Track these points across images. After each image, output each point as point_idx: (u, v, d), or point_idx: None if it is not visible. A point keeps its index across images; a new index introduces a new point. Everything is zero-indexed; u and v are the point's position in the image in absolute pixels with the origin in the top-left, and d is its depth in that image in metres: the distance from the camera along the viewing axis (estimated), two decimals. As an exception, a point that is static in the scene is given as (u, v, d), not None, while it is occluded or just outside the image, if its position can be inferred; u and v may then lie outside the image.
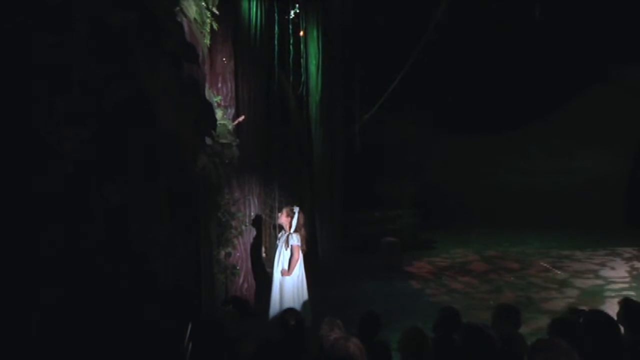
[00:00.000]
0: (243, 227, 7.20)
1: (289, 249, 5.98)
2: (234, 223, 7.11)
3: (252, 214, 7.43)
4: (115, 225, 5.97)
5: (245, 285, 7.22)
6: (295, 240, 5.98)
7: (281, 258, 6.01)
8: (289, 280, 5.96)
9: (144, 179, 6.28)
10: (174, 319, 5.10)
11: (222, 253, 7.00)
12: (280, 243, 6.08)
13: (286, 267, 5.98)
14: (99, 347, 5.12)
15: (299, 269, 6.04)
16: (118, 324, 5.44)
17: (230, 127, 7.12)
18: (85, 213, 5.68)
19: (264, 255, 7.23)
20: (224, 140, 6.97)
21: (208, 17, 5.51)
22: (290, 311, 4.07)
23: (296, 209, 6.17)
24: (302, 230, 6.15)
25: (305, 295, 6.05)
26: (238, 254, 7.17)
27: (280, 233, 6.25)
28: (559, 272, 9.08)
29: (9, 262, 5.04)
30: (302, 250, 6.03)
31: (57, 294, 5.27)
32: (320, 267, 8.89)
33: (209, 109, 6.99)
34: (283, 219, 6.11)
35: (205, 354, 3.53)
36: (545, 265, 9.64)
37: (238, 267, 7.14)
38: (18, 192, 5.25)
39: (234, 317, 6.59)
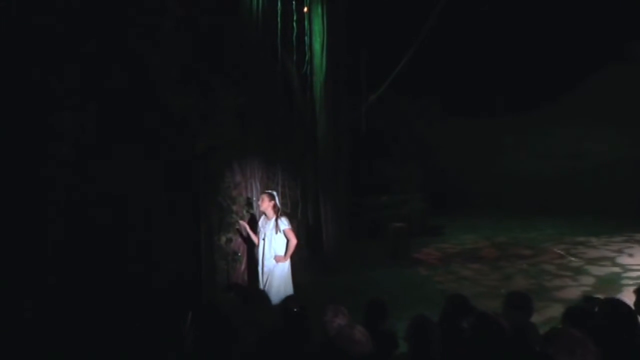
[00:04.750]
0: (244, 211, 7.19)
1: (280, 234, 5.96)
2: (235, 208, 7.10)
3: (254, 198, 7.42)
4: (116, 211, 5.99)
5: (247, 272, 7.24)
6: (286, 223, 5.98)
7: (273, 245, 5.98)
8: (279, 269, 5.95)
9: (145, 163, 6.29)
10: (174, 306, 5.13)
11: (223, 239, 7.01)
12: (268, 229, 6.01)
13: (280, 253, 5.96)
14: (100, 334, 5.17)
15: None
16: (119, 311, 5.48)
17: (231, 108, 7.09)
18: (85, 199, 5.70)
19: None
20: (225, 123, 6.95)
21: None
22: (292, 298, 4.07)
23: (273, 192, 6.24)
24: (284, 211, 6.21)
25: (290, 288, 5.98)
26: (239, 240, 7.17)
27: (262, 221, 6.21)
28: (573, 259, 9.05)
29: (10, 249, 5.07)
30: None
31: (56, 281, 5.31)
32: (324, 253, 8.91)
33: (210, 90, 6.96)
34: (266, 204, 6.05)
35: (206, 342, 3.54)
36: (558, 251, 9.62)
37: (240, 253, 7.14)
38: (19, 180, 5.25)
39: (235, 304, 6.63)
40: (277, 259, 5.93)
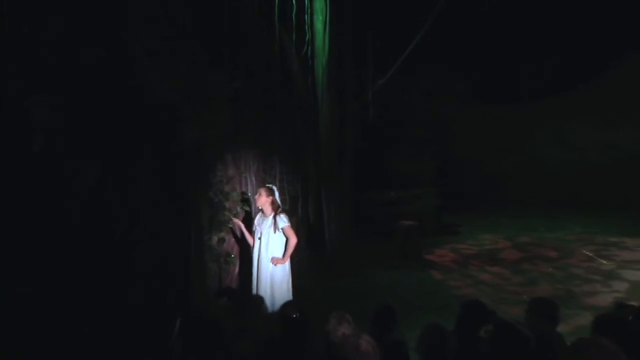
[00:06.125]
0: (239, 208, 7.19)
1: (278, 232, 5.98)
2: (228, 204, 7.10)
3: (250, 193, 7.43)
4: (95, 208, 5.99)
5: (242, 275, 7.25)
6: (286, 220, 6.01)
7: (270, 245, 5.99)
8: (280, 270, 5.97)
9: (126, 153, 6.28)
10: (161, 313, 5.14)
11: (215, 238, 7.01)
12: (265, 228, 6.05)
13: (278, 254, 5.98)
14: (78, 344, 5.19)
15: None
16: (99, 319, 5.50)
17: (224, 94, 7.07)
18: (58, 192, 5.70)
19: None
20: (217, 111, 6.94)
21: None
22: (290, 304, 4.08)
23: (273, 186, 6.28)
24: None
25: (291, 293, 6.02)
26: (233, 240, 7.18)
27: (258, 218, 6.25)
28: (604, 262, 9.05)
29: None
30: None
31: (31, 285, 5.33)
32: (327, 254, 8.91)
33: (200, 73, 6.95)
34: (263, 200, 6.09)
35: (196, 353, 3.55)
36: (588, 253, 9.61)
37: (233, 255, 7.15)
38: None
39: (228, 311, 6.63)
40: (275, 261, 5.94)
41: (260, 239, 6.06)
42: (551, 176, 14.47)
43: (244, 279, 7.22)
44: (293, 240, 6.00)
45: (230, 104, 7.11)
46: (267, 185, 6.40)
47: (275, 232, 5.97)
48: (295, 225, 7.51)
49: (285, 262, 5.99)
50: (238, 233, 6.90)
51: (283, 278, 5.98)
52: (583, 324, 5.68)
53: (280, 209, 6.10)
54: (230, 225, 7.08)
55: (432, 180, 13.22)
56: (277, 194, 6.17)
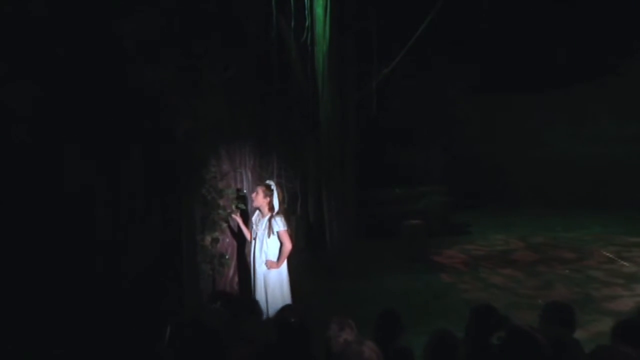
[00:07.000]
0: (234, 206, 7.19)
1: (273, 236, 5.98)
2: (222, 202, 7.09)
3: (245, 190, 7.42)
4: (78, 206, 5.97)
5: (237, 278, 7.26)
6: (281, 224, 5.99)
7: (264, 247, 6.00)
8: (275, 274, 5.98)
9: (113, 148, 6.26)
10: (150, 319, 5.14)
11: (208, 239, 7.00)
12: (261, 230, 6.05)
13: (272, 258, 5.99)
14: (71, 346, 5.19)
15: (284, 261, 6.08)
16: (81, 325, 5.49)
17: (218, 83, 7.07)
18: (39, 191, 5.68)
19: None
20: (210, 101, 6.93)
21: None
22: (289, 308, 4.07)
23: (272, 184, 6.21)
24: (283, 209, 6.21)
25: (288, 297, 6.04)
26: (227, 240, 7.18)
27: (255, 217, 6.24)
28: (626, 264, 9.05)
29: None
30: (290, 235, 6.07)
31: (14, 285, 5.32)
32: (328, 256, 8.91)
33: (192, 62, 6.93)
34: (260, 199, 6.07)
35: (189, 361, 3.55)
36: (608, 255, 9.61)
37: (228, 256, 7.15)
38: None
39: (222, 316, 6.63)
40: (269, 264, 5.95)
41: (255, 239, 6.07)
42: (569, 171, 14.43)
43: (240, 281, 7.24)
44: (287, 245, 5.98)
45: (224, 94, 7.09)
46: (267, 182, 6.34)
47: (269, 236, 5.97)
48: (295, 225, 7.51)
49: (279, 266, 6.00)
50: (235, 229, 6.89)
51: (276, 283, 5.98)
52: (602, 330, 5.67)
53: (276, 212, 6.05)
54: (227, 224, 7.08)
55: (440, 176, 13.23)
56: (275, 193, 6.10)
